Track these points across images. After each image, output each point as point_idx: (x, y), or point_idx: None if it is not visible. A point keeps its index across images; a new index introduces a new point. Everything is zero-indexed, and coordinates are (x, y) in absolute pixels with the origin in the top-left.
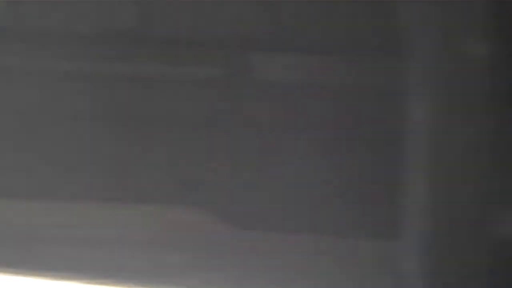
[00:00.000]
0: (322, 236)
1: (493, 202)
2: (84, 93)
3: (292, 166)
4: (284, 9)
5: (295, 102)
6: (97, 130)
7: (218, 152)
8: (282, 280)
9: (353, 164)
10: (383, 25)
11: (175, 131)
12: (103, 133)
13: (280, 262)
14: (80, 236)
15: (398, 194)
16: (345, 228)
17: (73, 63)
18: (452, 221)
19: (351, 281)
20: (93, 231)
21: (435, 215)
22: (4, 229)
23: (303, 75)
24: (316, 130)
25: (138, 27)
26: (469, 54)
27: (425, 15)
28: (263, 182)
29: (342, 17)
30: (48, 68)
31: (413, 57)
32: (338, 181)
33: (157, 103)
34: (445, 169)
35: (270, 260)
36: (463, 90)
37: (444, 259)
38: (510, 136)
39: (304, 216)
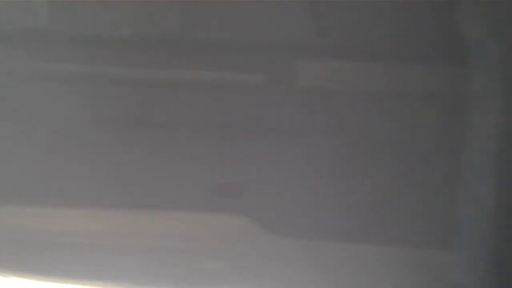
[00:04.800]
0: (371, 244)
1: None
2: (111, 98)
3: (339, 173)
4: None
5: (347, 110)
6: (131, 135)
7: (262, 158)
8: None
9: (408, 173)
10: (443, 30)
11: (218, 137)
12: (139, 139)
13: (322, 271)
14: (116, 244)
15: (458, 202)
16: (396, 236)
17: (95, 66)
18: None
19: None
20: (130, 239)
21: (495, 224)
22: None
23: (356, 82)
24: (363, 138)
25: (179, 31)
26: None
27: (488, 20)
28: (306, 188)
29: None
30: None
31: (476, 64)
32: (392, 188)
33: (197, 108)
34: (507, 176)
35: (312, 269)
36: None
37: (504, 270)
38: None
39: (352, 224)
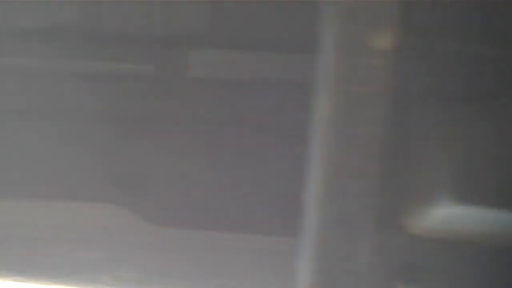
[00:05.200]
0: (234, 233)
1: (392, 199)
2: (24, 89)
3: (209, 162)
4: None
5: (216, 98)
6: (25, 126)
7: (144, 149)
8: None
9: (256, 160)
10: (300, 22)
11: (102, 128)
12: (30, 129)
13: (197, 259)
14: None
15: (298, 190)
16: (255, 225)
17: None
18: (346, 218)
19: (252, 278)
20: (16, 229)
21: (330, 212)
22: None
23: (226, 72)
24: (224, 125)
25: (74, 24)
26: (374, 50)
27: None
28: (185, 180)
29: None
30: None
31: (320, 52)
32: (246, 179)
33: (86, 98)
34: (343, 165)
35: (188, 257)
36: (365, 86)
37: (338, 257)
38: (413, 134)
39: (210, 214)
